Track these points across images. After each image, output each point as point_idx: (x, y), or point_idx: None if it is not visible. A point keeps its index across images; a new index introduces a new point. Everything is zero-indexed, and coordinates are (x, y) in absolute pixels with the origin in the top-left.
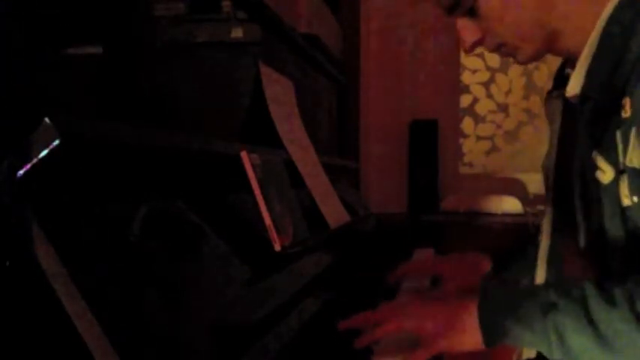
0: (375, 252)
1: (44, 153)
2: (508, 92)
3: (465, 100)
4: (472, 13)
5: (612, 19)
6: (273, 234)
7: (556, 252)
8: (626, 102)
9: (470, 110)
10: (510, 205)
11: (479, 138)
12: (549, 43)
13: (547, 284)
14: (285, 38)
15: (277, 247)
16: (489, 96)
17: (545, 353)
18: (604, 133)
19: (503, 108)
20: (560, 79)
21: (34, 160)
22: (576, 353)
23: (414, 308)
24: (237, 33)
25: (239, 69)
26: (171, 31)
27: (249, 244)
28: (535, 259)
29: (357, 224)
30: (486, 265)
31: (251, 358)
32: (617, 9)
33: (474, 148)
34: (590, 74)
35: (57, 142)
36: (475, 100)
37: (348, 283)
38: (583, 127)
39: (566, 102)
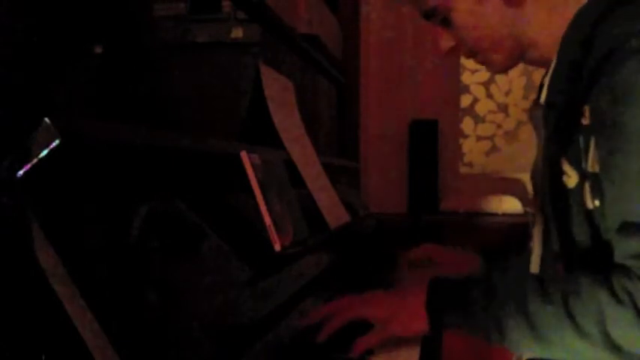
0: (375, 252)
1: (44, 153)
2: (508, 92)
3: (465, 100)
4: (446, 22)
5: (572, 27)
6: (273, 234)
7: (548, 260)
8: (586, 110)
9: (470, 110)
10: (510, 205)
11: (479, 138)
12: (521, 53)
13: (492, 275)
14: (285, 38)
15: (277, 247)
16: (489, 96)
17: (486, 340)
18: (569, 139)
19: (503, 108)
20: (542, 88)
21: (34, 160)
22: (510, 340)
23: (369, 297)
24: (237, 33)
25: (239, 69)
26: (171, 31)
27: (249, 244)
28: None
29: (357, 224)
30: (476, 265)
31: (251, 358)
32: (577, 16)
33: (474, 148)
34: (552, 82)
35: (57, 142)
36: (475, 100)
37: (348, 283)
38: (550, 134)
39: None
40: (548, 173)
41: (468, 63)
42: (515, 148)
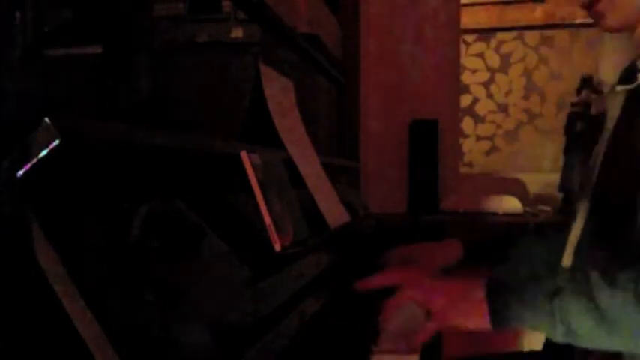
0: (375, 252)
1: (44, 153)
2: (508, 92)
3: (465, 100)
4: None
5: None
6: (273, 234)
7: (584, 245)
8: None
9: (470, 110)
10: (510, 205)
11: (479, 138)
12: (636, 21)
13: (551, 273)
14: (285, 38)
15: (277, 247)
16: (489, 96)
17: (549, 335)
18: None
19: (503, 108)
20: (628, 75)
21: (34, 160)
22: (580, 335)
23: (425, 281)
24: (237, 33)
25: (239, 69)
26: (171, 31)
27: (249, 244)
28: (558, 243)
29: (357, 224)
30: (457, 252)
31: (251, 358)
32: None
33: (473, 148)
34: None
35: (57, 142)
36: (475, 100)
37: (349, 283)
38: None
39: (629, 98)
40: (628, 159)
41: (468, 63)
42: (515, 148)
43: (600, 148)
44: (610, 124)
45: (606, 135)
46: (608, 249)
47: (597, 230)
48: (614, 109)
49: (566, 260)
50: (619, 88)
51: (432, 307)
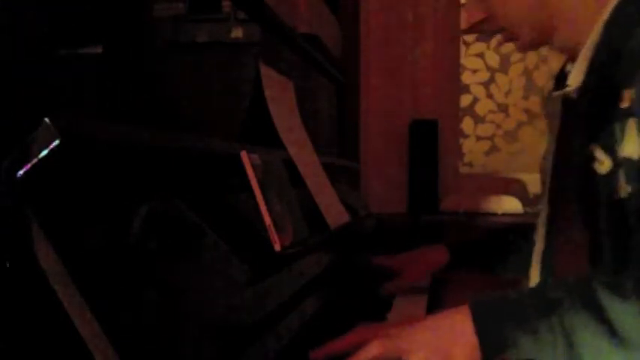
0: (375, 252)
1: (44, 153)
2: (508, 92)
3: (465, 100)
4: None
5: (616, 10)
6: (273, 234)
7: (550, 254)
8: (626, 93)
9: (470, 110)
10: (510, 205)
11: (479, 138)
12: (550, 30)
13: (543, 284)
14: (285, 38)
15: (277, 247)
16: (489, 96)
17: (548, 357)
18: (602, 125)
19: (503, 108)
20: (561, 80)
21: (34, 160)
22: (585, 353)
23: (398, 330)
24: (237, 33)
25: (239, 69)
26: (171, 31)
27: (249, 244)
28: (528, 255)
29: (357, 224)
30: (442, 257)
31: (251, 358)
32: (622, 1)
33: (473, 148)
34: (592, 65)
35: (57, 142)
36: (475, 100)
37: (349, 283)
38: (581, 120)
39: (566, 102)
40: (576, 161)
41: (468, 63)
42: (515, 148)
43: (548, 157)
44: (553, 130)
45: (552, 141)
46: (589, 257)
47: (562, 243)
48: (553, 115)
49: (534, 277)
50: (555, 94)
51: (410, 356)
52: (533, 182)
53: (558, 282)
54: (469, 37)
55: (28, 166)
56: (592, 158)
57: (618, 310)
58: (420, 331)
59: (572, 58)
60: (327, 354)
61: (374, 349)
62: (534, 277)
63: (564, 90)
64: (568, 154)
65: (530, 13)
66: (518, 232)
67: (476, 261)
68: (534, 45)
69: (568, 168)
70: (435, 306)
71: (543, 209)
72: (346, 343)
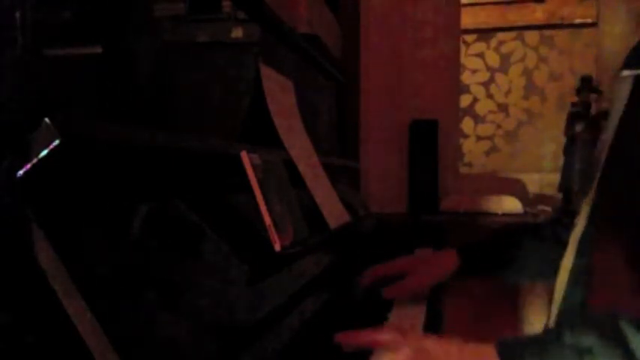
0: (375, 252)
1: (44, 153)
2: (508, 92)
3: (465, 100)
4: None
5: None
6: (273, 234)
7: (590, 239)
8: None
9: (470, 110)
10: (510, 205)
11: (479, 138)
12: None
13: (571, 326)
14: (285, 38)
15: (277, 247)
16: (489, 96)
17: None
18: None
19: (504, 108)
20: (635, 59)
21: (34, 160)
22: None
23: (426, 345)
24: (237, 33)
25: (239, 69)
26: (171, 31)
27: (249, 244)
28: (546, 258)
29: (357, 224)
30: (452, 263)
31: (251, 358)
32: None
33: (473, 148)
34: None
35: (57, 142)
36: (475, 100)
37: (348, 283)
38: None
39: (638, 83)
40: (631, 150)
41: (468, 63)
42: (515, 148)
43: (605, 141)
44: (616, 114)
45: (612, 125)
46: (621, 253)
47: (605, 228)
48: (620, 98)
49: (567, 260)
50: (626, 73)
51: None
52: (533, 182)
53: (584, 324)
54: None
55: (28, 166)
56: None
57: None
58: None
59: None
60: (350, 343)
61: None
62: (568, 261)
63: (636, 74)
64: (631, 142)
65: None
66: (530, 232)
67: (488, 267)
68: None
69: (628, 156)
70: (435, 305)
71: (590, 194)
72: (373, 342)
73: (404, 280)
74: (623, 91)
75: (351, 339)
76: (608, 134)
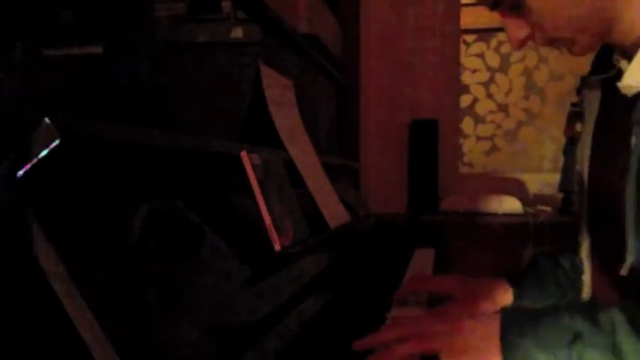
0: (375, 252)
1: (44, 153)
2: (508, 92)
3: (465, 100)
4: (517, 7)
5: None
6: (273, 234)
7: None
8: None
9: (470, 110)
10: (510, 205)
11: (479, 138)
12: (607, 33)
13: (573, 308)
14: (285, 38)
15: (277, 247)
16: (489, 96)
17: None
18: None
19: (503, 108)
20: (600, 66)
21: (34, 160)
22: None
23: (435, 326)
24: (237, 33)
25: (239, 69)
26: (171, 31)
27: (249, 244)
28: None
29: (357, 224)
30: (505, 295)
31: (251, 358)
32: None
33: (473, 148)
34: None
35: (57, 142)
36: (475, 100)
37: (348, 283)
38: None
39: (606, 92)
40: (635, 162)
41: (468, 63)
42: (515, 148)
43: (584, 150)
44: (590, 121)
45: (588, 133)
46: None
47: (599, 245)
48: (592, 104)
49: (587, 274)
50: (593, 79)
51: (447, 353)
52: (533, 182)
53: (584, 311)
54: (469, 37)
55: (28, 166)
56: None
57: (634, 348)
58: (457, 330)
59: (621, 48)
60: (367, 347)
61: (408, 348)
62: (587, 275)
63: (622, 85)
64: (610, 152)
65: (587, 20)
66: (556, 257)
67: (539, 297)
68: (592, 49)
69: (612, 168)
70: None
71: (583, 211)
72: (385, 338)
73: (447, 304)
74: (594, 98)
75: (364, 344)
76: (586, 145)
